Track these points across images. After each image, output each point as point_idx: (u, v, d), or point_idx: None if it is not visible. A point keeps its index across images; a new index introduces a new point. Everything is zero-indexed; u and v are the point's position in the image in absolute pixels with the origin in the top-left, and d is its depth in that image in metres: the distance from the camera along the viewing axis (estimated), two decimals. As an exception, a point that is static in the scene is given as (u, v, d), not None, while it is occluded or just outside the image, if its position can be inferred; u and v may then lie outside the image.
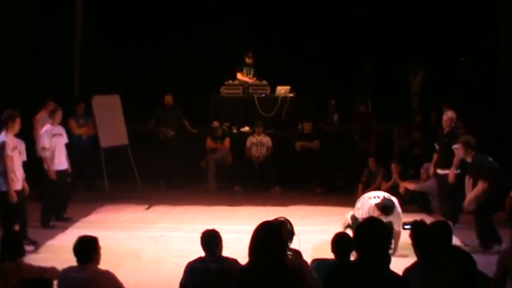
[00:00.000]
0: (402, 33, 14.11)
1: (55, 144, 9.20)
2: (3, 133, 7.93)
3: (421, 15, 14.06)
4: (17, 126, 8.04)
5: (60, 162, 9.30)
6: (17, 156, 8.04)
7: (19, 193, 8.00)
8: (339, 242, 5.06)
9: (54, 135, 9.24)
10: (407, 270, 4.42)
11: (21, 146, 8.25)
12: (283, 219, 4.73)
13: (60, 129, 9.44)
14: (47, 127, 9.28)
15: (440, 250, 4.52)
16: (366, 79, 13.96)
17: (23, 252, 5.34)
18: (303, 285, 4.01)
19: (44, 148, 9.13)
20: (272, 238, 3.90)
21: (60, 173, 9.25)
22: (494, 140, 11.44)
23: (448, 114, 9.24)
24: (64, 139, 9.45)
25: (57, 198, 9.35)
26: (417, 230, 4.61)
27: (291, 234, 4.67)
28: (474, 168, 8.14)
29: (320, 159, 12.13)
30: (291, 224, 4.69)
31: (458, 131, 9.38)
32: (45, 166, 9.14)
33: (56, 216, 9.42)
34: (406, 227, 4.76)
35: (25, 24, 13.05)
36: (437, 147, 9.57)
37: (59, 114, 9.37)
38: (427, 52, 14.02)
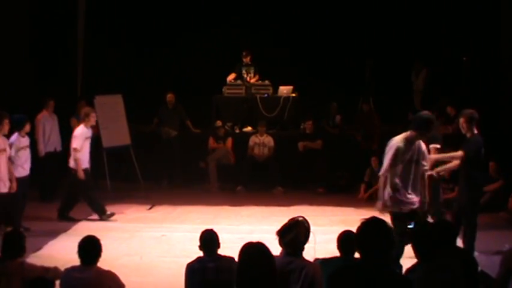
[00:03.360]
0: (405, 32, 14.11)
1: (86, 145, 9.56)
2: None
3: (424, 14, 14.06)
4: (6, 127, 8.10)
5: (84, 162, 9.58)
6: (23, 153, 8.20)
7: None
8: (344, 239, 5.07)
9: (86, 138, 9.60)
10: (408, 272, 4.40)
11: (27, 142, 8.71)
12: (301, 218, 4.71)
13: (90, 132, 9.76)
14: (82, 130, 9.54)
15: (440, 251, 4.49)
16: (368, 78, 13.96)
17: (23, 252, 5.35)
18: None
19: (75, 149, 9.37)
20: (260, 262, 3.84)
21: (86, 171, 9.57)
22: (495, 140, 11.43)
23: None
24: (89, 140, 9.74)
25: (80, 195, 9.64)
26: (416, 231, 4.57)
27: (307, 233, 4.66)
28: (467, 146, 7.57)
29: (322, 159, 12.12)
30: (308, 223, 4.68)
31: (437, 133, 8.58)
32: (74, 166, 9.38)
33: (61, 215, 9.48)
34: (410, 226, 4.71)
35: (27, 24, 13.07)
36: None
37: (93, 117, 9.66)
38: (429, 51, 14.02)
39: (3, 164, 8.09)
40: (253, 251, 3.80)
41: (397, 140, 6.85)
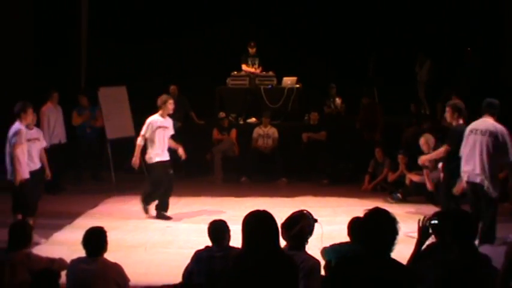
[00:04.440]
0: (409, 23, 14.09)
1: (161, 135, 9.02)
2: (17, 123, 7.99)
3: (428, 5, 14.03)
4: (29, 117, 8.11)
5: (162, 154, 9.13)
6: (31, 145, 8.18)
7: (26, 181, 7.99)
8: (355, 226, 5.08)
9: (159, 127, 9.02)
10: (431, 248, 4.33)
11: (39, 134, 8.48)
12: (305, 211, 4.70)
13: (168, 122, 9.16)
14: (154, 117, 9.01)
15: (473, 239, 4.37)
16: (372, 70, 13.96)
17: (28, 243, 5.38)
18: (297, 272, 3.98)
19: (141, 135, 9.00)
20: (264, 227, 3.87)
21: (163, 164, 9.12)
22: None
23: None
24: (170, 131, 9.19)
25: (161, 187, 9.11)
26: (459, 216, 4.38)
27: (310, 227, 4.65)
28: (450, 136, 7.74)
29: (326, 150, 12.13)
30: (312, 217, 4.67)
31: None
32: (148, 160, 9.08)
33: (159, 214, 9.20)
34: (433, 222, 4.57)
35: (31, 17, 13.07)
36: None
37: (170, 104, 9.06)
38: (433, 42, 13.99)
39: (35, 152, 8.15)
40: (260, 216, 3.89)
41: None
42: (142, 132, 9.03)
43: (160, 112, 9.06)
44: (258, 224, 3.84)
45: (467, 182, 7.40)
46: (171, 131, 9.27)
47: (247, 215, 3.91)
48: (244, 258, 3.84)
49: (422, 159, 8.62)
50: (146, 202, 9.18)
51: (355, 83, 13.59)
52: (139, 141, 9.06)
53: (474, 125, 7.41)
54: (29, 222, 7.83)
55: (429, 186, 9.64)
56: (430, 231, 4.52)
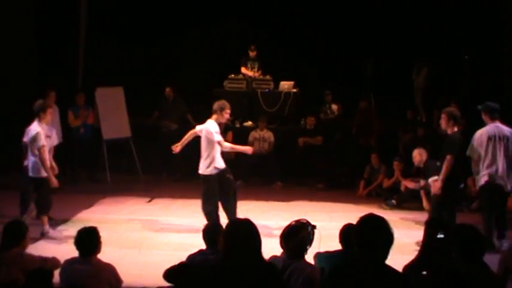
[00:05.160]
0: (406, 29, 14.12)
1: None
2: (35, 123, 7.98)
3: (426, 12, 14.06)
4: (48, 117, 8.12)
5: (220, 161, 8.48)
6: (48, 144, 8.25)
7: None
8: (347, 232, 5.08)
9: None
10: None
11: (51, 132, 8.55)
12: (305, 221, 4.69)
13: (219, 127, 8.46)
14: (213, 126, 8.27)
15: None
16: (370, 75, 13.98)
17: (22, 241, 5.35)
18: (280, 280, 3.97)
19: (220, 142, 8.30)
20: (243, 236, 3.88)
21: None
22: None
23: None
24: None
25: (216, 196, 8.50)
26: (465, 230, 4.32)
27: (310, 237, 4.63)
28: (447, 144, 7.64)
29: (322, 155, 12.13)
30: (312, 226, 4.64)
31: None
32: (211, 171, 8.41)
33: None
34: (440, 236, 4.48)
35: (32, 17, 13.06)
36: None
37: (227, 113, 8.36)
38: (431, 49, 14.02)
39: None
40: (240, 225, 3.95)
41: None
42: (219, 139, 8.31)
43: (215, 117, 8.35)
44: (237, 233, 3.87)
45: (486, 181, 7.59)
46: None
47: (228, 224, 3.92)
48: (223, 267, 3.84)
49: (436, 188, 7.71)
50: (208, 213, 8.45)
51: (353, 86, 13.60)
52: (223, 144, 8.40)
53: (489, 131, 7.62)
54: (45, 218, 8.19)
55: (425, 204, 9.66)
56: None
